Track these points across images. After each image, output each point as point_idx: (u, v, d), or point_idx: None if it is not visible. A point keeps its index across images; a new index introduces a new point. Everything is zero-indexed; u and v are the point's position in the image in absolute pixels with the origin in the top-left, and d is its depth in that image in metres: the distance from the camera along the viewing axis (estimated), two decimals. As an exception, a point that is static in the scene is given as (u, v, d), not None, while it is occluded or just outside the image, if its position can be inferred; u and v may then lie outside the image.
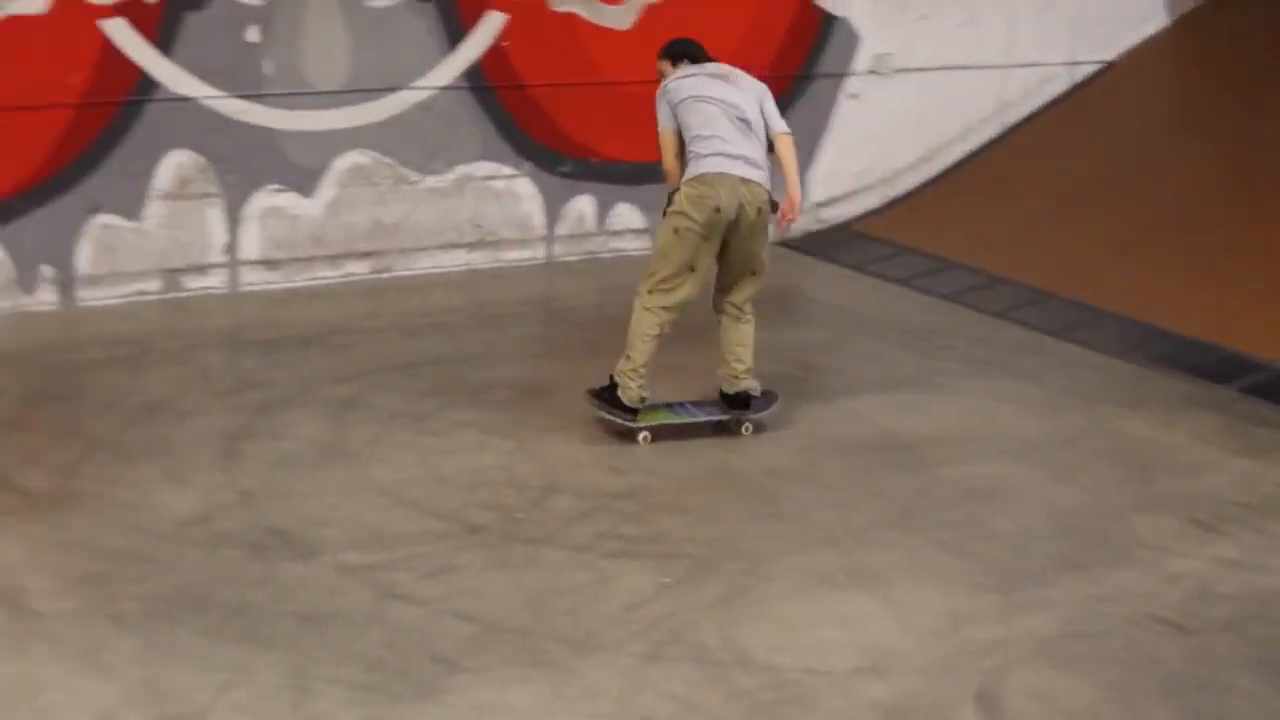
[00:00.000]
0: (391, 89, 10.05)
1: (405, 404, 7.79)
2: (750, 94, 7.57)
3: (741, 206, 7.32)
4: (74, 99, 9.12)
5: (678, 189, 7.41)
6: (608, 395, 7.51)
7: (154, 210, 9.37)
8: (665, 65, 7.82)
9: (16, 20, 8.80)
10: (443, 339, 8.94)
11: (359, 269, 10.02)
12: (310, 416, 7.59)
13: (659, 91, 7.68)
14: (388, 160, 10.05)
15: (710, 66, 7.69)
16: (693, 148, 7.47)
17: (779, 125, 7.58)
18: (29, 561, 5.99)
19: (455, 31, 10.18)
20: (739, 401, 7.67)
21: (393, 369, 8.17)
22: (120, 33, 9.18)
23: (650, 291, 7.45)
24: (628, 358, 7.45)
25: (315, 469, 6.98)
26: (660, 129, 7.62)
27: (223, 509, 6.54)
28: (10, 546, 6.09)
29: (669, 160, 7.60)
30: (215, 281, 9.61)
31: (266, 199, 9.69)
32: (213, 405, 7.67)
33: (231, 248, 9.63)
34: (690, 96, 7.51)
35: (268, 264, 9.75)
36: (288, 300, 9.53)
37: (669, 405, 7.67)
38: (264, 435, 7.33)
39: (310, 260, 9.88)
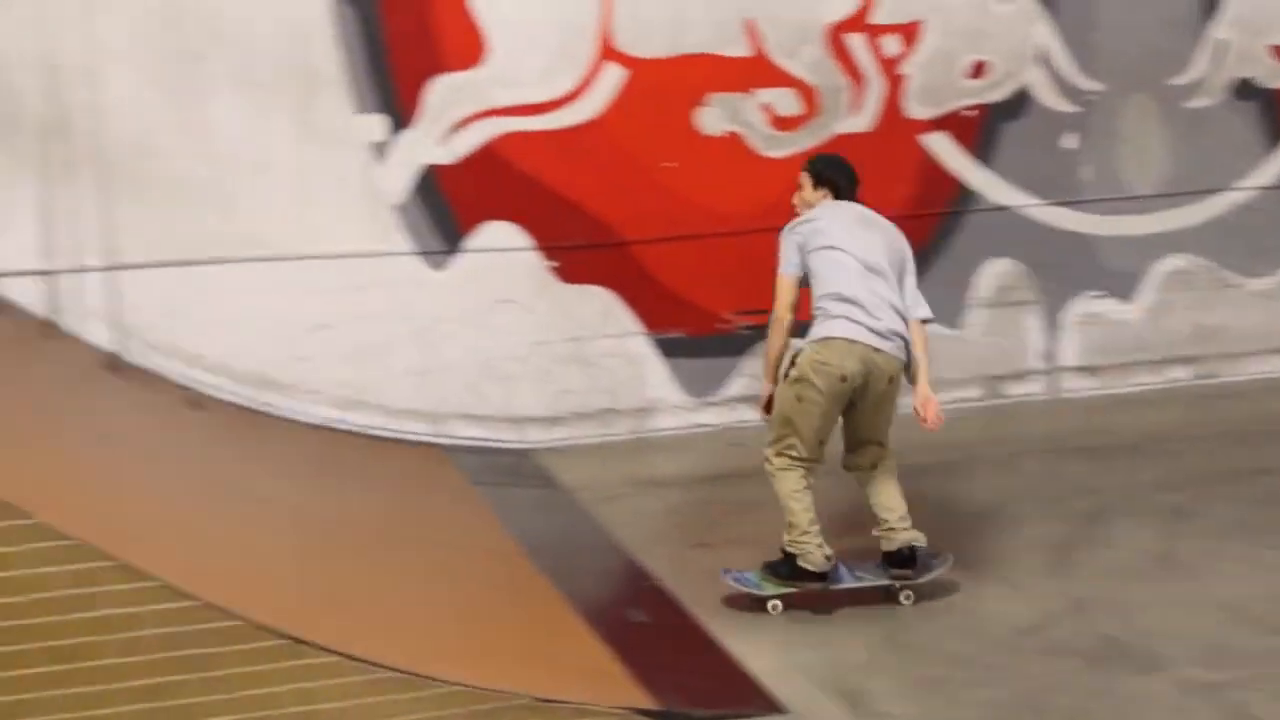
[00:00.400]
0: (1211, 190, 9.75)
1: (1241, 515, 7.45)
2: (894, 255, 6.74)
3: (870, 374, 6.53)
4: (897, 211, 9.39)
5: (798, 351, 6.61)
6: (786, 571, 6.64)
7: (974, 318, 9.49)
8: (806, 183, 6.97)
9: (845, 138, 9.17)
10: (1278, 448, 8.50)
11: (1182, 374, 9.73)
12: (1140, 526, 7.39)
13: (787, 228, 6.84)
14: (1208, 263, 9.74)
15: (852, 209, 6.83)
16: (821, 304, 6.65)
17: (919, 310, 6.76)
18: (871, 662, 6.11)
19: (1278, 129, 9.79)
20: (901, 559, 6.66)
21: (1225, 478, 7.85)
22: (940, 146, 9.40)
23: (778, 455, 6.64)
24: (791, 525, 6.63)
25: (1149, 580, 6.77)
26: (781, 273, 6.76)
27: (1056, 617, 6.44)
28: (853, 647, 6.24)
29: (781, 308, 6.73)
30: (1034, 388, 9.59)
31: (1085, 305, 9.61)
32: (1040, 512, 7.61)
33: (1051, 354, 9.60)
34: (826, 245, 6.65)
35: (1087, 370, 9.64)
36: (1108, 407, 9.38)
37: (834, 574, 6.71)
38: (1094, 544, 7.20)
39: (1131, 366, 9.68)
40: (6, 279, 8.09)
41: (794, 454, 6.60)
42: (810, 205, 6.92)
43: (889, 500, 6.72)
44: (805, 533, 6.62)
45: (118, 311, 8.28)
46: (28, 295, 8.14)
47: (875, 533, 6.75)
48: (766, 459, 6.70)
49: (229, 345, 8.47)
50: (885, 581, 6.70)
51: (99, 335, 8.25)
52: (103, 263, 8.25)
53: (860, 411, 6.66)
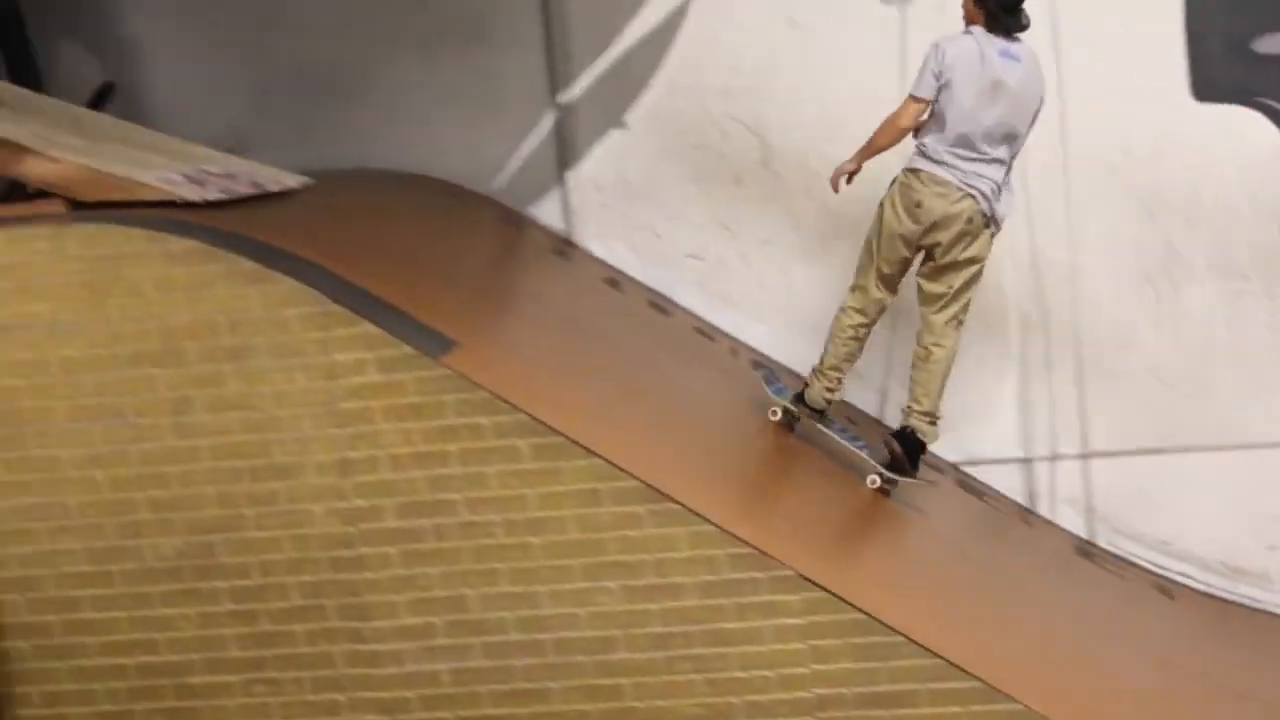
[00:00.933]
0: None
1: None
2: (1011, 127, 7.01)
3: (949, 218, 6.99)
4: None
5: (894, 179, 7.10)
6: (796, 397, 7.49)
7: None
8: (970, 2, 7.00)
9: None
10: None
11: None
12: None
13: (932, 49, 6.97)
14: None
15: (992, 68, 6.88)
16: (931, 132, 7.01)
17: (1004, 206, 7.10)
18: None
19: None
20: (902, 437, 7.22)
21: None
22: None
23: (851, 289, 7.34)
24: (820, 360, 7.42)
25: None
26: (914, 93, 6.99)
27: None
28: None
29: (906, 120, 7.00)
30: None
31: None
32: None
33: None
34: (963, 85, 6.89)
35: None
36: None
37: (828, 418, 7.48)
38: None
39: None
40: (989, 466, 8.50)
41: (860, 303, 7.24)
42: (968, 19, 7.05)
43: (920, 393, 7.22)
44: (822, 373, 7.40)
45: (1090, 498, 8.48)
46: (1008, 482, 8.51)
47: (903, 408, 7.32)
48: (849, 291, 7.33)
49: (1197, 532, 8.41)
50: (866, 456, 7.29)
51: (1071, 522, 8.46)
52: (1076, 450, 8.49)
53: (931, 266, 7.15)
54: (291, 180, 7.68)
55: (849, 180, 7.21)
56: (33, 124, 7.18)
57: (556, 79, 9.13)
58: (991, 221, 7.11)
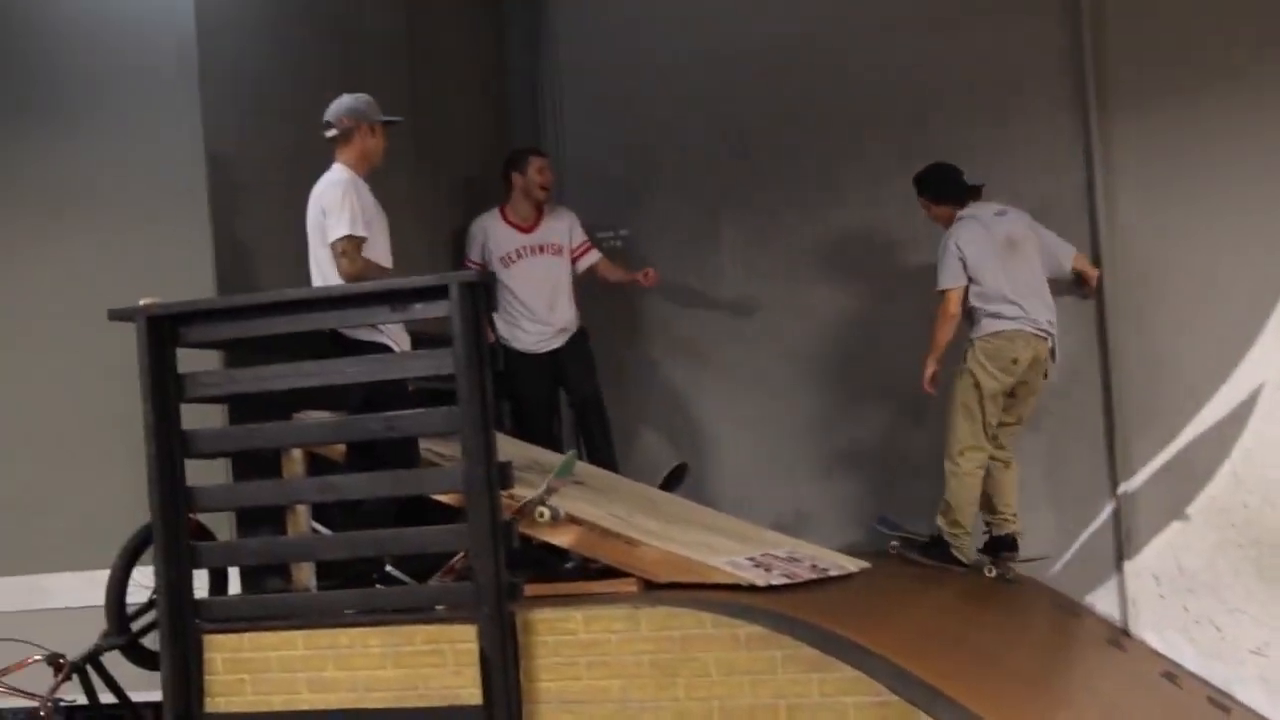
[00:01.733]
0: None
1: None
2: (1033, 239, 8.38)
3: (1035, 360, 8.27)
4: None
5: (966, 346, 8.34)
6: (937, 553, 8.48)
7: None
8: (928, 206, 8.47)
9: None
10: None
11: None
12: None
13: (947, 245, 8.26)
14: None
15: (993, 232, 8.20)
16: (989, 307, 8.22)
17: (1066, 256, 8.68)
18: None
19: None
20: (1008, 543, 8.53)
21: None
22: None
23: (962, 453, 8.31)
24: (955, 522, 8.42)
25: None
26: (951, 286, 8.26)
27: None
28: None
29: (954, 308, 8.27)
30: None
31: None
32: None
33: None
34: (985, 259, 8.16)
35: None
36: None
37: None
38: None
39: None
40: None
41: (980, 460, 8.33)
42: (946, 219, 8.43)
43: (1009, 498, 8.53)
44: (968, 533, 8.44)
45: None
46: None
47: (987, 519, 8.57)
48: (952, 460, 8.35)
49: None
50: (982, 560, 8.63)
51: None
52: None
53: (1016, 396, 8.36)
54: (850, 564, 7.87)
55: (935, 381, 8.48)
56: (612, 506, 7.65)
57: (1117, 469, 9.14)
58: (1054, 351, 8.45)
